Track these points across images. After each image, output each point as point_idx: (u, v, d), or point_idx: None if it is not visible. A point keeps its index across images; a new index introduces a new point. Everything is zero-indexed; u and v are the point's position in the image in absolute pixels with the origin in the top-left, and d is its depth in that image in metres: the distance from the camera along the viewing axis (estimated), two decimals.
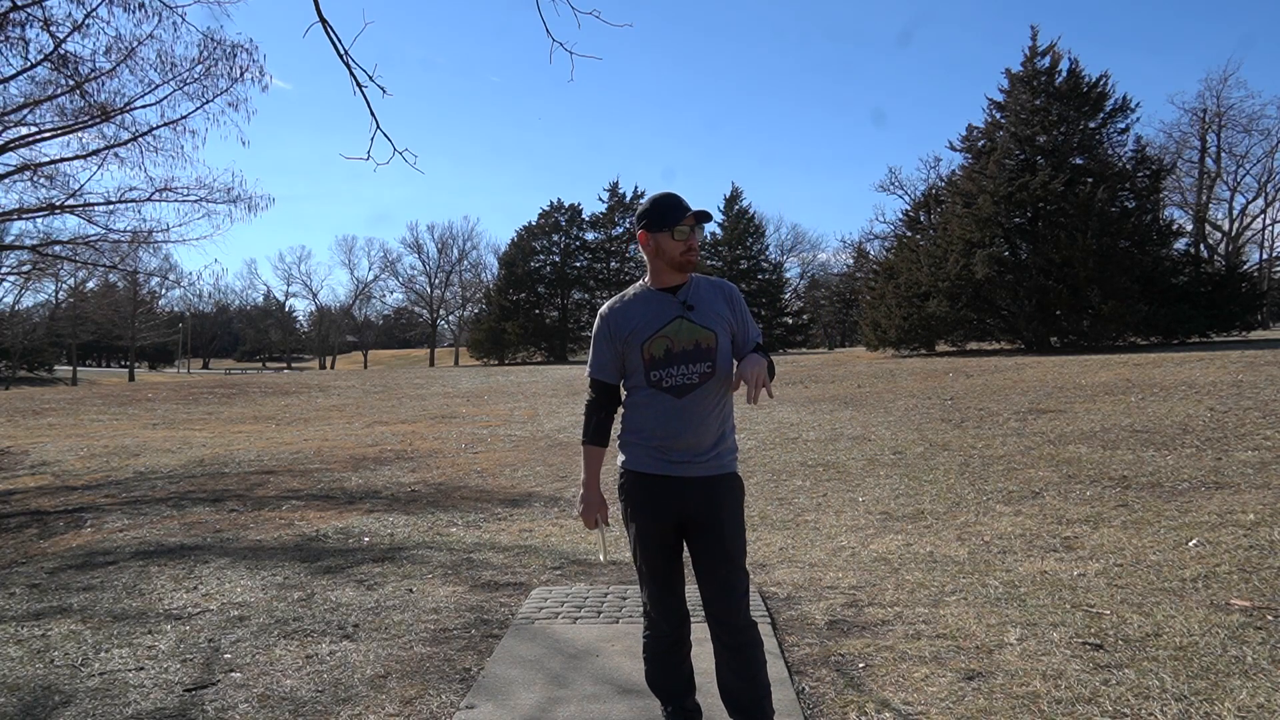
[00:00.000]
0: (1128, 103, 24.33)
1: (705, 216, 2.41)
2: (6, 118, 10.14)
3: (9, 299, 42.78)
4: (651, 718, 2.74)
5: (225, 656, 3.47)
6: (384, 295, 76.36)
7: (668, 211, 2.38)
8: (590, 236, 49.32)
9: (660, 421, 2.37)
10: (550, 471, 8.30)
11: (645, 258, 2.47)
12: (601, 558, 2.52)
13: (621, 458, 2.49)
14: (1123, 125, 24.61)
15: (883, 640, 3.41)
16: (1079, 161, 23.83)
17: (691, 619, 2.59)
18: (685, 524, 2.41)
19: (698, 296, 2.42)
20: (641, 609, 2.58)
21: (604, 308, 2.52)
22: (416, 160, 5.77)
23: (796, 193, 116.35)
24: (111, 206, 11.25)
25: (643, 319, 2.42)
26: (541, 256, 48.70)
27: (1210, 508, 5.28)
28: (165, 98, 10.38)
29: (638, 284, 2.52)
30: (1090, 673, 2.96)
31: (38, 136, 10.52)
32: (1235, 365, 13.14)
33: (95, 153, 10.71)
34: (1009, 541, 4.92)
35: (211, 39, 10.18)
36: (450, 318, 69.80)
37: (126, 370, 55.18)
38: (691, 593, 2.52)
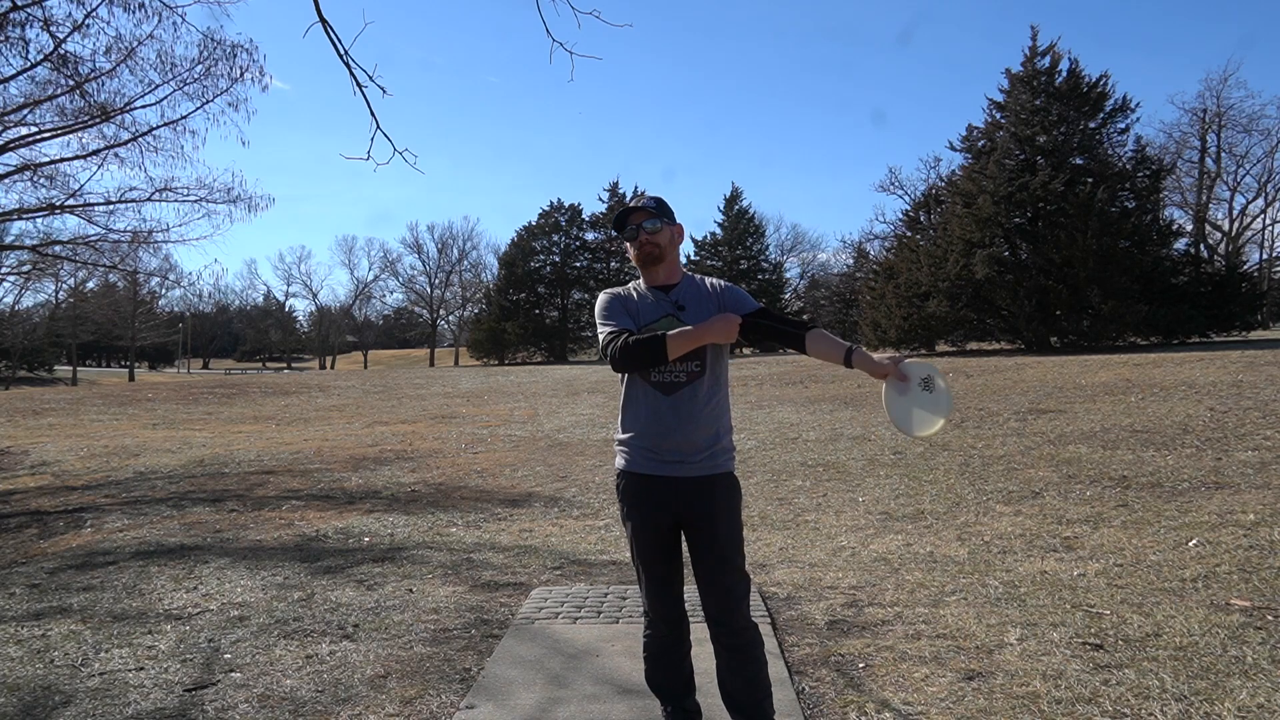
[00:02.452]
0: (1128, 103, 24.34)
1: (636, 216, 2.45)
2: (6, 118, 10.15)
3: (9, 299, 42.84)
4: (651, 718, 2.74)
5: (225, 656, 3.46)
6: (384, 295, 76.49)
7: (618, 221, 2.50)
8: (590, 236, 49.30)
9: (650, 420, 2.38)
10: (550, 471, 8.30)
11: None
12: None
13: (618, 461, 2.51)
14: (1123, 125, 24.62)
15: (883, 640, 3.41)
16: (1079, 161, 23.83)
17: (691, 619, 2.59)
18: (681, 524, 2.41)
19: (690, 297, 2.46)
20: (642, 608, 2.59)
21: (606, 291, 2.54)
22: (416, 160, 5.76)
23: (796, 193, 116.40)
24: (111, 206, 11.28)
25: (637, 311, 2.46)
26: (541, 256, 48.68)
27: (1210, 508, 5.28)
28: (165, 98, 10.41)
29: (635, 280, 2.56)
30: (1090, 673, 2.96)
31: (38, 136, 10.53)
32: (1235, 365, 13.14)
33: (95, 153, 10.73)
34: (1009, 541, 4.92)
35: (211, 39, 10.21)
36: (450, 318, 69.81)
37: (126, 370, 55.17)
38: (691, 593, 2.52)
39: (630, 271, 48.67)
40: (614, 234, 2.50)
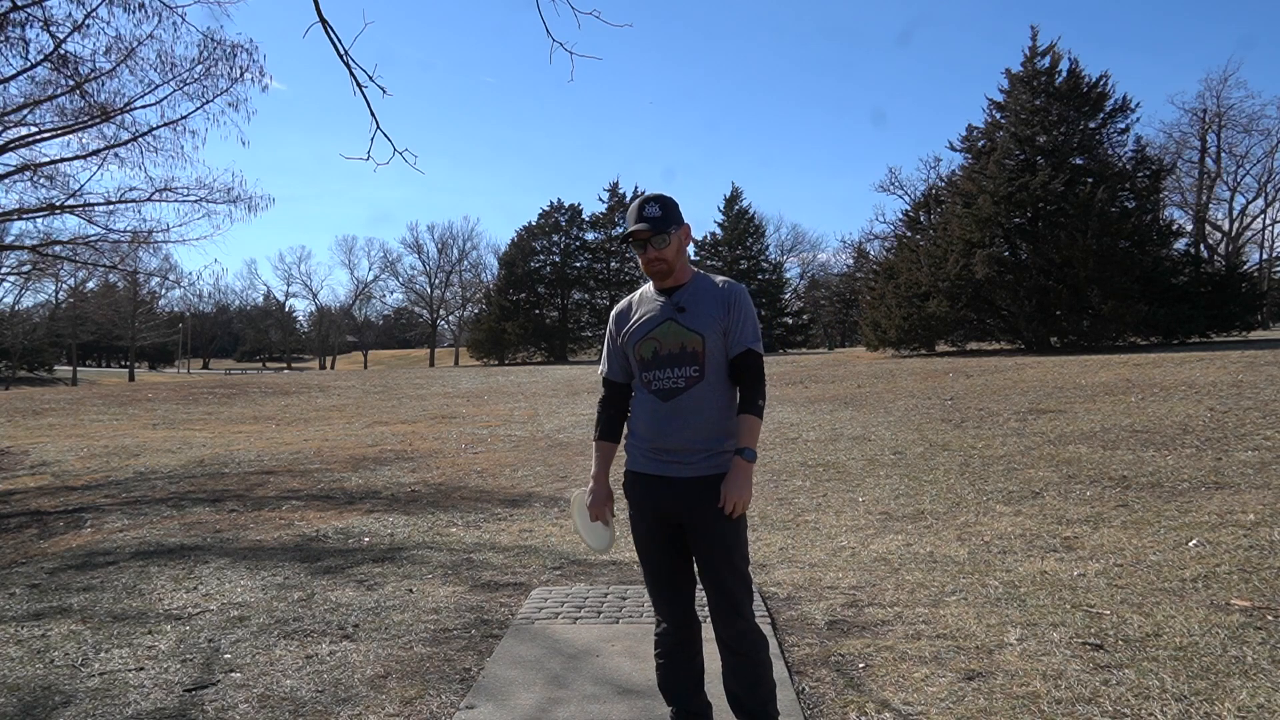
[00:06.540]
0: (1128, 103, 24.33)
1: (639, 235, 2.37)
2: (6, 118, 10.15)
3: (9, 299, 42.86)
4: (651, 717, 2.74)
5: (225, 656, 3.46)
6: (384, 295, 76.47)
7: (628, 223, 2.43)
8: (590, 236, 49.31)
9: (650, 424, 2.39)
10: (550, 472, 8.30)
11: None
12: (592, 548, 2.56)
13: (626, 458, 2.52)
14: (1123, 125, 24.61)
15: (883, 640, 3.41)
16: (1079, 162, 23.81)
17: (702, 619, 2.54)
18: (682, 525, 2.40)
19: (693, 298, 2.40)
20: (652, 609, 2.57)
21: (613, 309, 2.57)
22: (416, 160, 5.78)
23: (796, 193, 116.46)
24: (111, 207, 11.26)
25: (638, 321, 2.46)
26: (541, 256, 48.69)
27: (1210, 508, 5.28)
28: (165, 98, 10.39)
29: (647, 284, 2.54)
30: (1090, 673, 2.96)
31: (38, 136, 10.52)
32: (1235, 365, 13.14)
33: (95, 153, 10.71)
34: (1009, 541, 4.92)
35: (211, 39, 10.19)
36: (450, 318, 69.81)
37: (126, 370, 55.15)
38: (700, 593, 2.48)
39: (630, 271, 48.77)
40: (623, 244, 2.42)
